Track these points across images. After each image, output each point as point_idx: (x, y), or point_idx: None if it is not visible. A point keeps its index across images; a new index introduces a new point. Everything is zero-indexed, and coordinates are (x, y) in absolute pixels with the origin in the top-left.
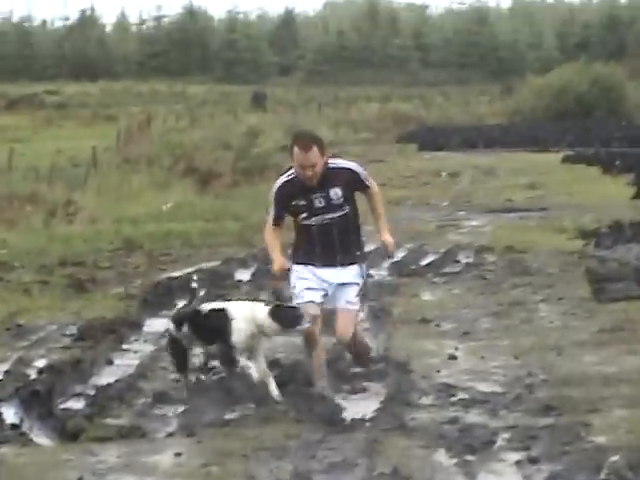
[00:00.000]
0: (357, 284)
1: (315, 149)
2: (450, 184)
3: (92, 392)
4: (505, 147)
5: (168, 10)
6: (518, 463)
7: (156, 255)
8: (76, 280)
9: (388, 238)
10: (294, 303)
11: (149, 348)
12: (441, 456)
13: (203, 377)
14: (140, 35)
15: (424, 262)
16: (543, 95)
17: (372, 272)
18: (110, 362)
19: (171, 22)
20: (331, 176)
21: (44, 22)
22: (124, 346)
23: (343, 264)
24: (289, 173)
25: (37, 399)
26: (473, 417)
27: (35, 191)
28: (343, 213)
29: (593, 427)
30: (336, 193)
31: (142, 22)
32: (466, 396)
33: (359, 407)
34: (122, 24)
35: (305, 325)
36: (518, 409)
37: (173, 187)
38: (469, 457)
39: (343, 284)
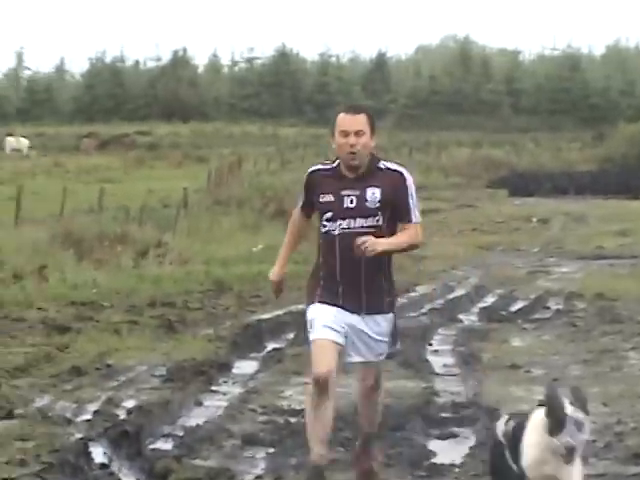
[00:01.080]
0: (386, 340)
1: (364, 116)
2: (541, 230)
3: (181, 433)
4: (596, 194)
5: (260, 52)
6: None
7: (246, 297)
8: (166, 321)
9: (375, 240)
10: (309, 337)
11: (238, 390)
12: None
13: None
14: (232, 76)
15: (514, 308)
16: (635, 142)
17: (461, 317)
18: (199, 403)
19: (263, 64)
20: (374, 173)
21: (136, 62)
22: (213, 388)
23: (370, 311)
24: (323, 162)
25: (126, 439)
26: None
27: (125, 231)
28: (376, 224)
29: None
30: (373, 194)
31: (234, 63)
32: None
33: (448, 452)
34: (214, 65)
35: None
36: (608, 457)
37: (263, 229)
38: None
39: (369, 337)
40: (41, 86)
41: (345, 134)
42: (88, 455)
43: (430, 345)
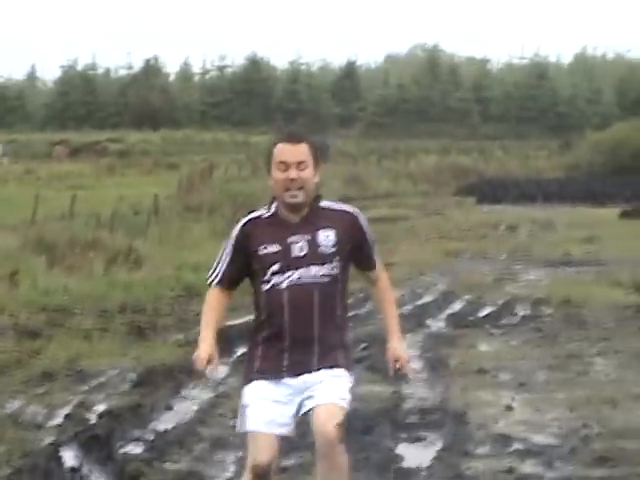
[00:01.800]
0: (345, 377)
1: (306, 146)
2: (508, 237)
3: (151, 437)
4: (563, 201)
5: (231, 60)
6: None
7: None
8: (136, 327)
9: (401, 351)
10: (244, 428)
11: (208, 395)
12: None
13: None
14: (203, 84)
15: (481, 314)
16: (601, 150)
17: (429, 322)
18: (169, 408)
19: (234, 72)
20: (324, 215)
21: (108, 70)
22: (183, 392)
23: (321, 367)
24: (258, 210)
25: (97, 443)
26: (529, 467)
27: (97, 238)
28: (332, 273)
29: None
30: (327, 236)
31: (205, 72)
32: (522, 447)
33: (415, 456)
34: (185, 73)
35: None
36: (573, 460)
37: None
38: None
39: (325, 380)
40: (13, 93)
41: (285, 166)
42: (59, 459)
43: None
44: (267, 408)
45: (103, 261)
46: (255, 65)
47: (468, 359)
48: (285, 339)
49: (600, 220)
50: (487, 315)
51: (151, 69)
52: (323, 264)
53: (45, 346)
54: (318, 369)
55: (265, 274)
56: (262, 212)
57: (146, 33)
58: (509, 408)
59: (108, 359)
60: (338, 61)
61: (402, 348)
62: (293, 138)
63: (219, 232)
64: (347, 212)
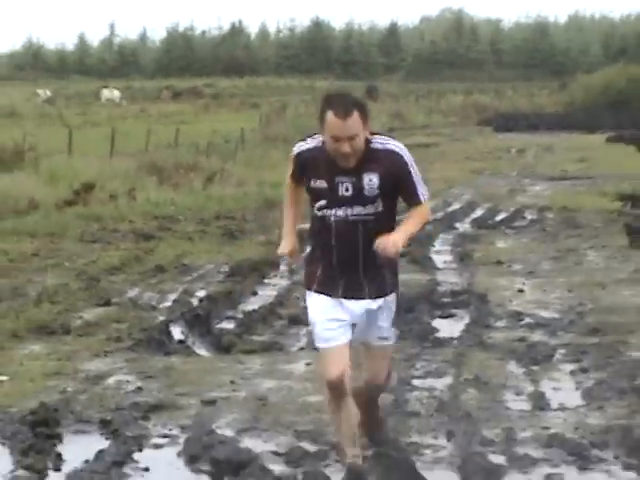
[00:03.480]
0: (390, 311)
1: (356, 115)
2: (518, 158)
3: (241, 316)
4: (561, 130)
5: (299, 22)
6: (572, 372)
7: None
8: (228, 230)
9: (393, 237)
10: (315, 343)
11: (285, 282)
12: (512, 366)
13: None
14: (278, 41)
15: (498, 218)
16: (590, 90)
17: (457, 225)
18: (255, 293)
19: (302, 31)
20: (370, 157)
21: (203, 32)
22: (265, 281)
23: (373, 296)
24: (311, 139)
25: (198, 321)
26: (537, 336)
27: (196, 161)
28: (375, 211)
29: (630, 345)
30: (371, 180)
31: (279, 31)
32: (531, 320)
33: (448, 328)
34: (263, 33)
35: None
36: (572, 330)
37: None
38: (534, 367)
39: (374, 312)
40: (129, 50)
41: (336, 139)
42: (169, 333)
43: (433, 247)
44: (331, 325)
45: (201, 180)
46: (318, 26)
47: (488, 253)
48: (336, 267)
49: (590, 144)
50: (502, 219)
51: (236, 30)
52: (366, 205)
53: (157, 246)
54: (370, 298)
55: (316, 202)
56: (316, 143)
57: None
58: (521, 290)
59: (206, 256)
60: (383, 22)
61: (397, 237)
62: (342, 112)
63: None
64: (393, 152)
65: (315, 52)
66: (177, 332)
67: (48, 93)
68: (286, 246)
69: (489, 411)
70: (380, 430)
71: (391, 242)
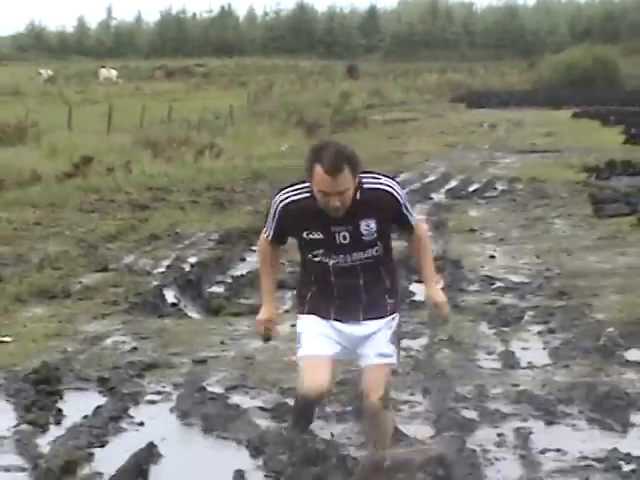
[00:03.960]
0: (390, 328)
1: (347, 171)
2: (490, 132)
3: (229, 280)
4: (529, 106)
5: (285, 5)
6: (540, 333)
7: (276, 183)
8: (218, 201)
9: (439, 297)
10: (298, 353)
11: None
12: (484, 327)
13: None
14: (264, 24)
15: (471, 189)
16: (557, 68)
17: (433, 195)
18: (243, 259)
19: (287, 14)
20: (364, 202)
21: (194, 14)
22: (253, 247)
23: (369, 317)
24: (299, 188)
25: (190, 285)
26: (507, 300)
27: (188, 136)
28: (374, 254)
29: (594, 307)
30: (368, 226)
31: (266, 14)
32: (502, 284)
33: (423, 291)
34: (251, 15)
35: None
36: (540, 294)
37: (288, 134)
38: (504, 328)
39: (371, 334)
40: (125, 32)
41: (326, 194)
42: (162, 297)
43: None
44: (320, 335)
45: (193, 153)
46: (302, 9)
47: (461, 221)
48: (333, 297)
49: (557, 119)
50: (475, 190)
51: (225, 13)
52: (365, 250)
53: (151, 216)
54: (363, 320)
55: (311, 251)
56: (305, 193)
57: None
58: (492, 257)
59: (197, 225)
60: (363, 5)
61: (440, 294)
62: (333, 169)
63: (277, 132)
64: (386, 192)
65: (299, 34)
66: (170, 296)
67: (49, 72)
68: (265, 312)
69: (462, 369)
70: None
71: (441, 303)
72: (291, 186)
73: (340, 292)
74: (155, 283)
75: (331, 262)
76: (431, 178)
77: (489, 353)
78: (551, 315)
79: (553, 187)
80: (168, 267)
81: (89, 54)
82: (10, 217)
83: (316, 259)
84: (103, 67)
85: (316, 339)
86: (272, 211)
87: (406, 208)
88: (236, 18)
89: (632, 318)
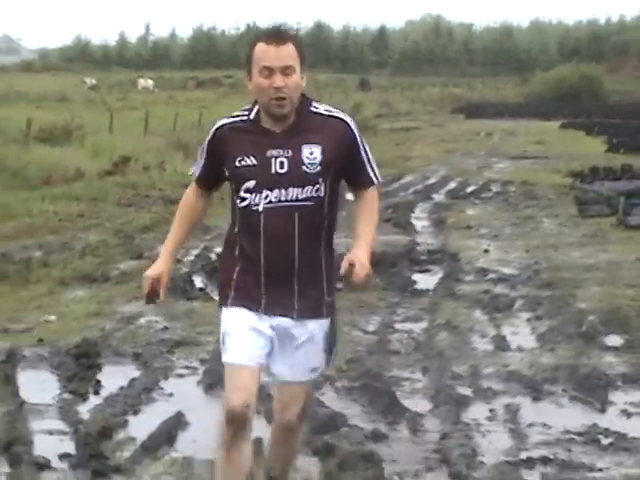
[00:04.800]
0: (321, 338)
1: (292, 47)
2: (486, 140)
3: None
4: (522, 117)
5: (304, 24)
6: (528, 319)
7: None
8: None
9: (360, 257)
10: (223, 358)
11: None
12: (478, 314)
13: None
14: None
15: (468, 190)
16: (547, 84)
17: (434, 196)
18: None
19: (306, 32)
20: (311, 124)
21: (223, 31)
22: None
23: (303, 316)
24: (234, 114)
25: (215, 272)
26: (499, 289)
27: None
28: (316, 195)
29: (577, 297)
30: (312, 153)
31: None
32: (495, 276)
33: (425, 281)
34: None
35: None
36: (528, 285)
37: None
38: (496, 315)
39: (303, 342)
40: (161, 46)
41: (268, 72)
42: (191, 282)
43: (413, 213)
44: (247, 337)
45: None
46: (319, 28)
47: (459, 219)
48: (261, 270)
49: (546, 129)
50: (472, 191)
51: (251, 30)
52: (305, 186)
53: None
54: (298, 317)
55: (239, 190)
56: (241, 116)
57: (247, 4)
58: (486, 251)
59: (223, 218)
60: (374, 25)
61: (363, 254)
62: (277, 37)
63: None
64: (338, 118)
65: (317, 50)
66: (198, 281)
67: (93, 82)
68: (156, 267)
69: (458, 350)
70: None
71: (359, 265)
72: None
73: (269, 255)
74: (185, 270)
75: (262, 205)
76: (432, 180)
77: (482, 336)
78: (539, 304)
79: (542, 190)
80: (196, 256)
81: (129, 65)
82: (56, 209)
83: (244, 203)
84: (141, 77)
85: (246, 341)
86: (202, 148)
87: (366, 153)
88: None
89: (611, 307)
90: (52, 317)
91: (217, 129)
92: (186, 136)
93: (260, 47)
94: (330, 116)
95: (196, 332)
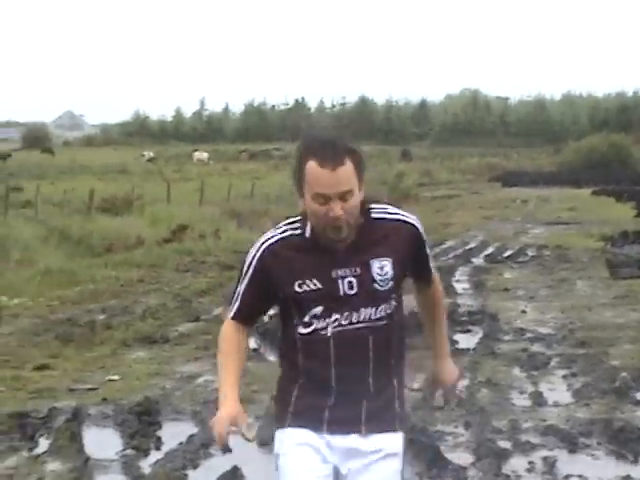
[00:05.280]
0: (396, 455)
1: (349, 164)
2: (521, 207)
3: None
4: (555, 185)
5: (350, 98)
6: (564, 376)
7: None
8: None
9: (452, 376)
10: None
11: None
12: (516, 371)
13: None
14: (332, 114)
15: (506, 254)
16: (579, 153)
17: (473, 260)
18: None
19: (351, 106)
20: (374, 234)
21: (273, 106)
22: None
23: (372, 431)
24: (285, 224)
25: (268, 333)
26: (536, 348)
27: (267, 208)
28: (388, 312)
29: (610, 355)
30: (382, 268)
31: (333, 106)
32: (532, 335)
33: (466, 341)
34: (321, 107)
35: None
36: (564, 343)
37: None
38: (534, 372)
39: (371, 462)
40: (215, 120)
41: (323, 200)
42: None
43: (454, 277)
44: (306, 455)
45: (271, 223)
46: (364, 102)
47: (497, 282)
48: (329, 395)
49: (578, 197)
50: (509, 255)
51: (299, 105)
52: (378, 306)
53: (236, 275)
54: (367, 433)
55: (303, 316)
56: (291, 230)
57: (296, 79)
58: (524, 311)
59: None
60: (416, 99)
61: (454, 373)
62: (331, 160)
63: None
64: (405, 222)
65: (361, 122)
66: (252, 342)
67: (151, 155)
68: (229, 407)
69: (498, 406)
70: None
71: (452, 386)
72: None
73: (341, 379)
74: None
75: (330, 329)
76: (471, 245)
77: (521, 393)
78: (573, 361)
79: (575, 253)
80: None
81: (184, 139)
82: (118, 275)
83: (309, 329)
84: (196, 150)
85: (302, 467)
86: (243, 268)
87: (429, 249)
88: (308, 109)
89: None
90: (115, 377)
91: (266, 246)
92: (239, 205)
93: (313, 168)
94: (395, 220)
95: (251, 390)
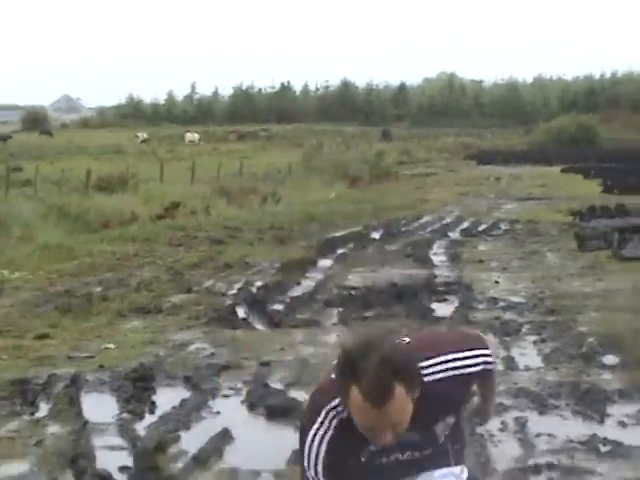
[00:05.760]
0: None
1: (399, 393)
2: (495, 184)
3: (288, 300)
4: (527, 163)
5: (332, 82)
6: (534, 342)
7: (325, 223)
8: (279, 238)
9: (489, 410)
10: None
11: (321, 276)
12: (490, 338)
13: None
14: (316, 96)
15: (480, 228)
16: (549, 133)
17: (449, 234)
18: (299, 283)
19: (334, 89)
20: (432, 400)
21: (260, 89)
22: (307, 274)
23: None
24: (332, 411)
25: (257, 303)
26: (508, 316)
27: (255, 186)
28: (445, 448)
29: (578, 322)
30: (445, 424)
31: (317, 89)
32: (504, 304)
33: (443, 309)
34: (305, 90)
35: None
36: (534, 311)
37: (334, 185)
38: (506, 338)
39: None
40: (205, 103)
41: (372, 429)
42: (235, 313)
43: (431, 249)
44: None
45: (259, 200)
46: (346, 85)
47: (472, 254)
48: None
49: (549, 174)
50: (483, 229)
51: (285, 88)
52: (434, 445)
53: (226, 249)
54: None
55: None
56: (337, 422)
57: (282, 64)
58: (497, 282)
59: (262, 256)
60: (395, 82)
61: (492, 409)
62: (378, 395)
63: (326, 183)
64: (463, 376)
65: (344, 105)
66: (241, 312)
67: (145, 136)
68: None
69: None
70: None
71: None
72: (328, 391)
73: None
74: (229, 302)
75: (384, 460)
76: (448, 220)
77: None
78: (543, 328)
79: (545, 227)
80: (239, 289)
81: (177, 121)
82: (114, 250)
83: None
84: (188, 132)
85: None
86: (306, 461)
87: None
88: (294, 92)
89: (608, 331)
90: (111, 345)
91: (330, 451)
92: (228, 183)
93: (357, 400)
94: (452, 377)
95: (240, 357)
